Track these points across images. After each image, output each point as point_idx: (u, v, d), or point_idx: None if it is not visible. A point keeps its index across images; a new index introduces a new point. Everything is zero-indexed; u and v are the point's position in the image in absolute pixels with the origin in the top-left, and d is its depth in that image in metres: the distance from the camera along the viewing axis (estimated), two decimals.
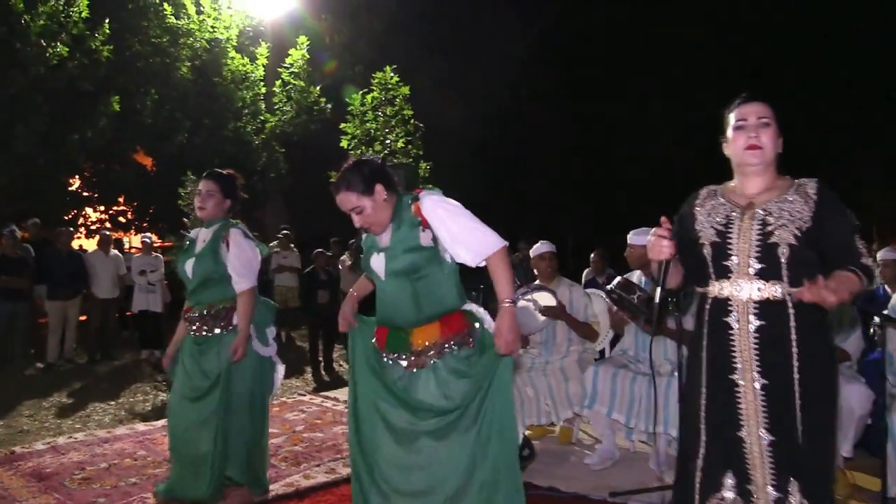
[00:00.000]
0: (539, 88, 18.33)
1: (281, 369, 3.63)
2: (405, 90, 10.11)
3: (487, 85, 16.16)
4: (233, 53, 12.84)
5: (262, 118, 13.44)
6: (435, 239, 2.55)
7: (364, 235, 2.77)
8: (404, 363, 2.60)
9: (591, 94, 20.61)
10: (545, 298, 4.34)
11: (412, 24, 16.77)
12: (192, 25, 12.04)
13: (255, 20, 13.57)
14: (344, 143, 10.16)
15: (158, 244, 10.77)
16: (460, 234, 2.53)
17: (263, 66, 13.17)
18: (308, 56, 13.44)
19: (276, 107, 13.52)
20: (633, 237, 4.29)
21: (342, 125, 10.22)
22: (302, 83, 13.44)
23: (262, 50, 13.08)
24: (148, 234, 9.62)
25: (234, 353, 3.34)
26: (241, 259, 3.42)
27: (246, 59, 13.03)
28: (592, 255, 7.40)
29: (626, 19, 21.51)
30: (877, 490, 3.36)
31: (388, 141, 10.06)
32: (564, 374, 4.36)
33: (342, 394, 6.22)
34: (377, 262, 2.60)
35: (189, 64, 12.13)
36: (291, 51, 13.24)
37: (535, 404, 4.31)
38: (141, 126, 11.41)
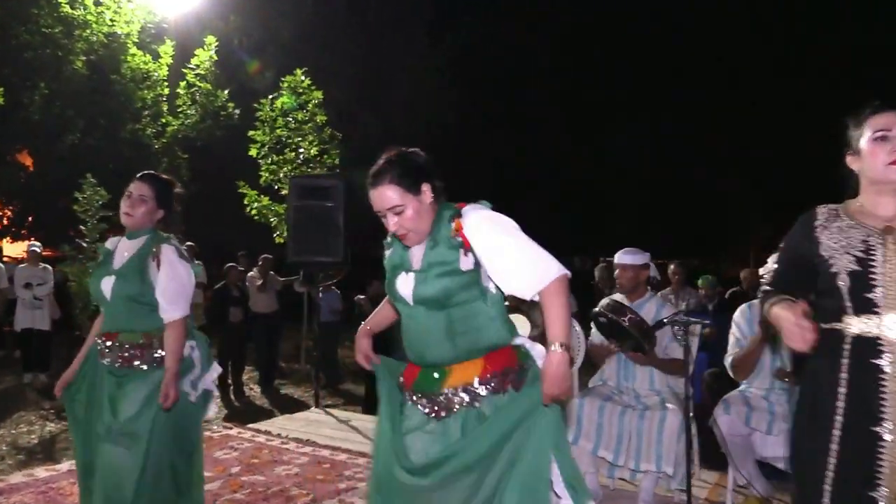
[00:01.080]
0: (456, 101, 18.24)
1: (215, 398, 3.15)
2: (318, 94, 9.63)
3: (405, 96, 15.92)
4: (133, 50, 11.98)
5: (163, 121, 12.62)
6: (477, 263, 2.18)
7: (389, 251, 2.38)
8: (426, 409, 2.22)
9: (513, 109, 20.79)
10: (521, 325, 4.06)
11: (323, 32, 16.31)
12: (88, 17, 11.15)
13: (159, 17, 12.74)
14: (253, 152, 9.58)
15: (47, 253, 9.79)
16: (511, 260, 2.16)
17: (168, 65, 12.35)
18: (216, 58, 12.73)
19: (179, 110, 12.72)
20: (624, 257, 4.07)
21: (251, 132, 9.62)
22: (208, 86, 12.72)
23: (167, 48, 12.29)
24: (36, 243, 8.70)
25: (165, 398, 2.82)
26: (174, 282, 2.90)
27: (148, 57, 12.19)
28: None
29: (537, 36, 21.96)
30: None
31: (300, 149, 9.56)
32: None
33: (271, 426, 5.66)
34: (405, 285, 2.22)
35: (84, 58, 11.21)
36: (198, 51, 12.50)
37: None
38: (28, 123, 10.40)
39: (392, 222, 2.18)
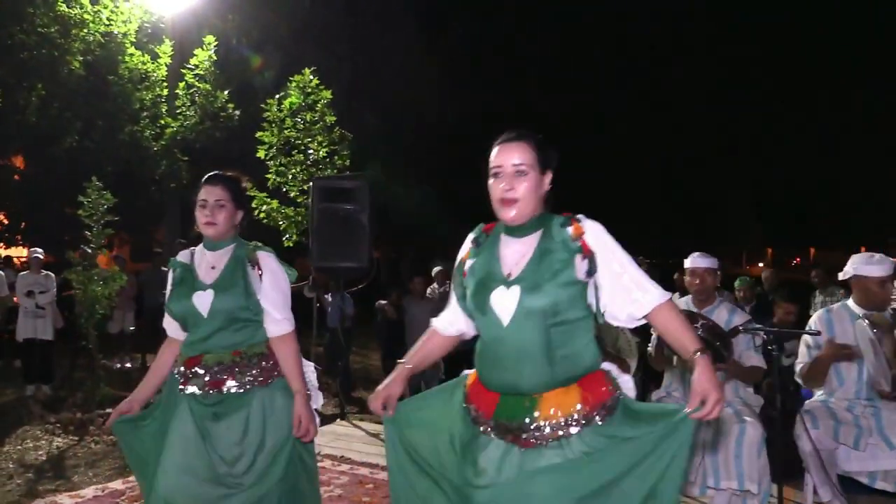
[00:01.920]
0: (456, 100, 18.00)
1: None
2: (327, 94, 9.31)
3: (403, 95, 15.66)
4: (131, 50, 11.63)
5: (162, 122, 12.27)
6: (590, 274, 1.96)
7: (471, 261, 2.11)
8: (509, 439, 1.96)
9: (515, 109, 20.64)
10: None
11: (322, 31, 16.01)
12: (85, 16, 10.79)
13: (155, 16, 12.39)
14: (261, 153, 9.25)
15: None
16: (631, 277, 1.98)
17: (166, 65, 12.01)
18: (215, 58, 12.39)
19: (178, 111, 12.37)
20: (698, 260, 3.85)
21: (258, 133, 9.30)
22: (208, 86, 12.37)
23: (166, 48, 11.94)
24: (38, 249, 8.35)
25: (300, 426, 2.54)
26: (280, 292, 2.64)
27: (146, 57, 11.84)
28: None
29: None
30: None
31: (310, 151, 9.24)
32: None
33: None
34: (502, 299, 1.96)
35: (81, 58, 10.86)
36: (197, 51, 12.16)
37: None
38: (23, 125, 10.04)
39: (505, 184, 1.98)
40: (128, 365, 10.31)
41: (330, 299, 9.46)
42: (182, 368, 2.64)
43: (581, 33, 22.77)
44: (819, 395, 3.76)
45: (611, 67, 24.70)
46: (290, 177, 9.18)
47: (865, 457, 3.41)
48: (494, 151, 2.05)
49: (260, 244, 2.72)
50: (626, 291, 1.98)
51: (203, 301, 2.58)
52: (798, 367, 3.76)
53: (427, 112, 17.48)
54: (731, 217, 32.68)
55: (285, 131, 9.21)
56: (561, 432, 1.92)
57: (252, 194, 9.16)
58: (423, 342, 2.33)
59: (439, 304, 7.39)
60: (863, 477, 3.46)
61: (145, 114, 12.09)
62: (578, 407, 1.93)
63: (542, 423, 1.93)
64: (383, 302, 7.18)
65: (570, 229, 1.99)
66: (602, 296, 1.99)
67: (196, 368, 2.59)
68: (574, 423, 1.92)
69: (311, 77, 9.28)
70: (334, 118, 9.36)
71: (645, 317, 2.00)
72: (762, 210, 33.59)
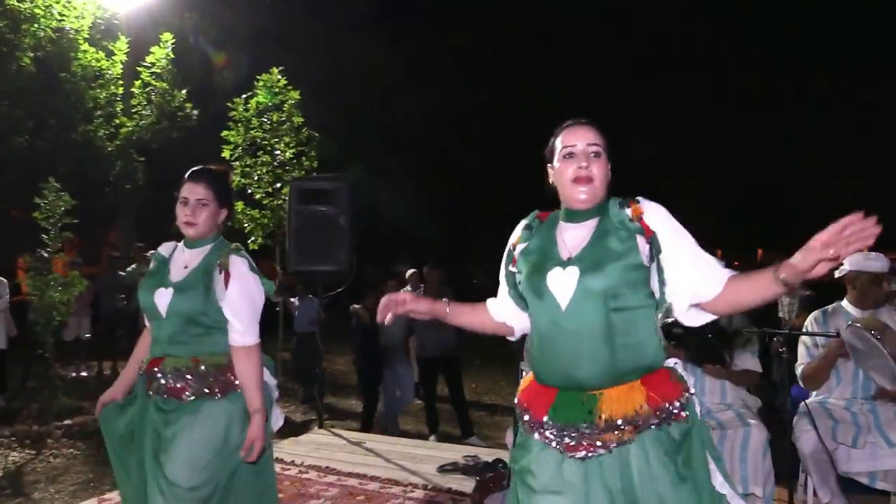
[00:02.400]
0: (419, 99, 17.91)
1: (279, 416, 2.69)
2: (295, 94, 9.15)
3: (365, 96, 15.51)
4: (85, 46, 11.19)
5: (117, 122, 11.84)
6: (652, 257, 1.86)
7: (525, 243, 2.03)
8: (561, 443, 1.83)
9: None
10: None
11: (283, 31, 15.72)
12: (36, 10, 10.32)
13: (109, 12, 11.96)
14: (226, 153, 9.03)
15: None
16: (697, 257, 1.88)
17: (122, 63, 11.60)
18: (172, 56, 12.03)
19: (133, 110, 11.96)
20: None
21: (224, 133, 9.07)
22: (165, 85, 12.00)
23: (121, 45, 11.54)
24: None
25: (252, 449, 2.40)
26: (247, 301, 2.49)
27: (101, 54, 11.41)
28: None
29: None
30: None
31: (276, 151, 9.04)
32: None
33: (280, 451, 5.03)
34: (560, 282, 1.87)
35: (32, 55, 10.39)
36: (154, 48, 11.78)
37: None
38: None
39: (583, 162, 1.91)
40: (84, 374, 9.91)
41: (297, 303, 9.27)
42: (146, 368, 2.53)
43: (546, 30, 22.94)
44: (815, 395, 3.77)
45: (571, 65, 24.98)
46: (255, 178, 8.98)
47: (865, 456, 3.42)
48: (564, 133, 1.98)
49: (240, 246, 2.59)
50: (696, 269, 1.86)
51: (162, 299, 2.48)
52: (799, 370, 3.76)
53: (394, 112, 17.35)
54: (683, 218, 33.28)
55: (252, 131, 9.00)
56: (623, 437, 1.80)
57: None
58: (473, 305, 2.22)
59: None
60: (863, 477, 3.48)
61: (99, 113, 11.65)
62: (645, 408, 1.81)
63: (604, 423, 1.81)
64: (357, 306, 7.02)
65: (629, 210, 1.91)
66: (667, 279, 1.88)
67: (156, 371, 2.48)
68: (639, 427, 1.81)
69: (279, 77, 9.10)
70: (302, 119, 9.19)
71: (715, 296, 1.85)
72: (714, 211, 34.26)
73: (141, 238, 13.21)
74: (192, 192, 2.52)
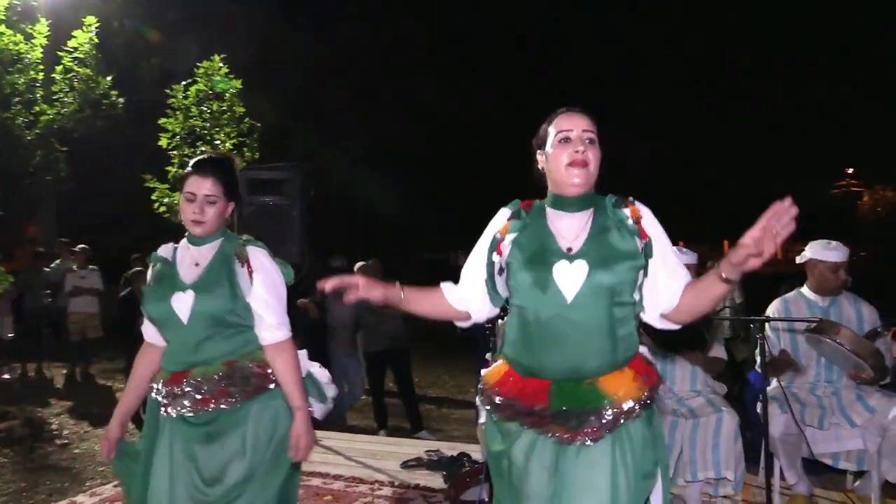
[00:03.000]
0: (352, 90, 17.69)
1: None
2: (237, 83, 8.85)
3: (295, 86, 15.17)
4: (1, 28, 10.49)
5: (36, 109, 11.17)
6: (644, 262, 1.90)
7: (513, 234, 1.99)
8: (565, 432, 1.86)
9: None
10: None
11: (213, 17, 15.21)
12: None
13: None
14: (163, 142, 8.65)
15: None
16: (675, 263, 1.94)
17: (42, 46, 10.94)
18: (97, 40, 11.43)
19: (55, 97, 11.31)
20: (682, 257, 3.84)
21: (161, 121, 8.69)
22: (88, 71, 11.39)
23: (41, 28, 10.87)
24: None
25: (298, 447, 2.28)
26: (274, 292, 2.34)
27: (19, 37, 10.71)
28: None
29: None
30: None
31: (216, 141, 8.72)
32: None
33: None
34: (567, 275, 1.86)
35: None
36: (76, 32, 11.16)
37: None
38: None
39: (579, 147, 1.91)
40: (6, 376, 9.34)
41: None
42: (163, 388, 2.31)
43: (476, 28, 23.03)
44: (775, 382, 3.86)
45: (520, 62, 25.29)
46: None
47: (830, 437, 3.54)
48: (558, 118, 1.97)
49: (251, 238, 2.42)
50: (670, 281, 1.93)
51: (183, 304, 2.27)
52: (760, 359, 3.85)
53: (315, 104, 17.06)
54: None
55: (191, 120, 8.65)
56: (624, 417, 1.86)
57: (151, 185, 8.54)
58: (427, 290, 2.17)
59: (364, 304, 7.16)
60: (827, 458, 3.60)
61: (17, 99, 10.92)
62: (642, 390, 1.89)
63: (612, 406, 1.86)
64: (305, 300, 6.84)
65: (627, 211, 1.94)
66: (647, 284, 1.92)
67: (182, 386, 2.26)
68: (636, 408, 1.87)
69: (221, 65, 8.77)
70: (243, 108, 8.90)
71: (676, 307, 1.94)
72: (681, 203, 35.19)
73: (62, 232, 12.57)
74: (200, 187, 2.33)
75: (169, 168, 8.62)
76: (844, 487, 3.88)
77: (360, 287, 2.03)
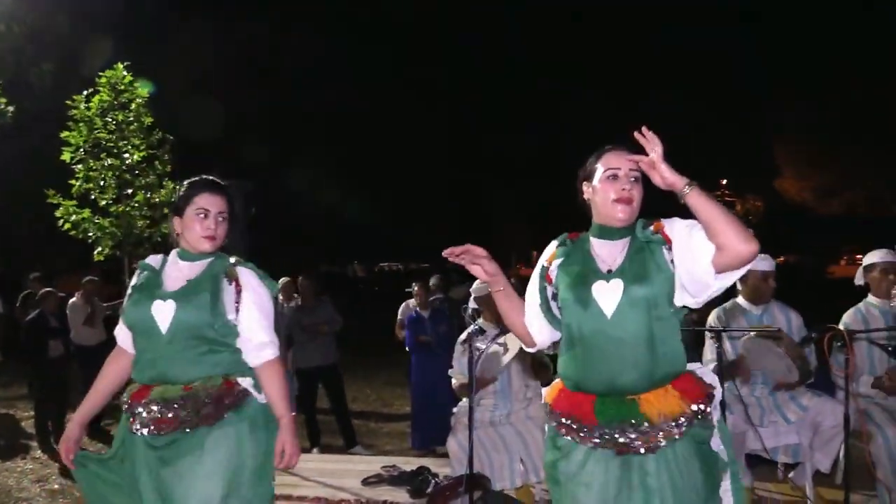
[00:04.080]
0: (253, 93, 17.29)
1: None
2: (143, 92, 8.49)
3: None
4: None
5: None
6: (673, 263, 2.00)
7: (559, 260, 2.13)
8: (612, 445, 1.96)
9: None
10: (514, 342, 3.83)
11: (106, 22, 14.50)
12: None
13: None
14: (66, 156, 8.18)
15: None
16: (687, 228, 2.00)
17: None
18: None
19: None
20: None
21: (64, 133, 8.21)
22: None
23: None
24: None
25: (284, 454, 2.30)
26: (263, 312, 2.33)
27: None
28: (415, 287, 6.95)
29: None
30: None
31: (125, 154, 8.35)
32: (539, 426, 3.89)
33: None
34: (605, 292, 1.99)
35: None
36: None
37: (508, 465, 3.77)
38: None
39: (626, 185, 2.04)
40: None
41: None
42: (128, 400, 2.27)
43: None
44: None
45: (376, 63, 25.59)
46: (101, 183, 8.22)
47: (769, 434, 3.87)
48: (607, 155, 2.10)
49: (240, 259, 2.41)
50: (693, 234, 1.97)
51: (163, 312, 2.22)
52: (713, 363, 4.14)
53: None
54: (498, 219, 34.92)
55: (95, 132, 8.23)
56: (666, 437, 1.94)
57: (54, 202, 8.06)
58: (518, 300, 2.23)
59: (287, 319, 7.03)
60: (766, 453, 3.92)
61: None
62: (689, 407, 1.97)
63: (656, 423, 1.94)
64: None
65: (651, 227, 2.07)
66: (681, 271, 1.99)
67: (144, 403, 2.22)
68: (679, 427, 1.95)
69: (125, 73, 8.39)
70: (151, 119, 8.56)
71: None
72: (528, 212, 36.27)
73: None
74: (213, 203, 2.31)
75: (73, 182, 8.17)
76: (776, 479, 4.24)
77: (482, 257, 2.10)
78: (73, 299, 7.64)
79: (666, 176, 1.89)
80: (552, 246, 2.21)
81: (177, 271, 2.34)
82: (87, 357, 7.53)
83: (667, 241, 2.02)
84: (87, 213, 8.07)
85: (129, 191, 8.29)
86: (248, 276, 2.34)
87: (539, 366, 4.10)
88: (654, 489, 1.93)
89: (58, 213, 8.06)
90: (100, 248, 8.23)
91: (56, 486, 5.65)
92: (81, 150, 8.24)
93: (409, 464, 4.75)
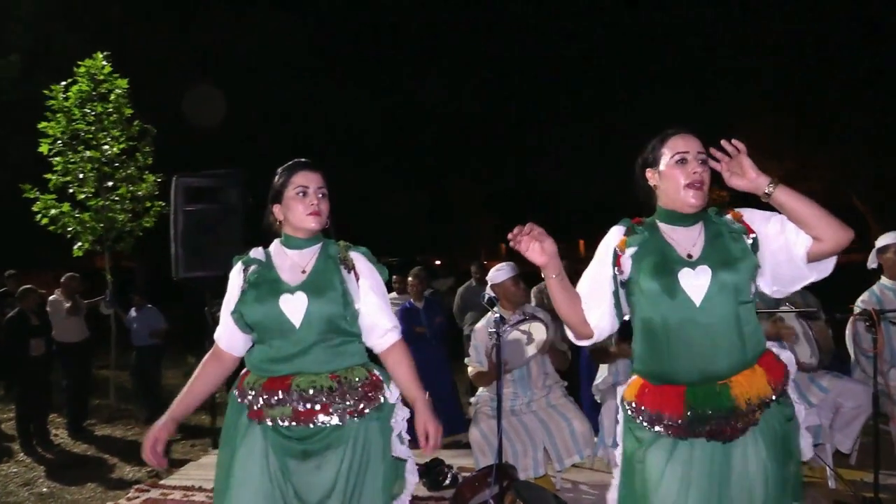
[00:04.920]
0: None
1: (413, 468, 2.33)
2: (122, 83, 8.21)
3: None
4: None
5: None
6: (755, 251, 1.99)
7: (633, 249, 2.05)
8: (706, 432, 1.92)
9: None
10: (539, 331, 3.77)
11: (68, 10, 14.06)
12: None
13: None
14: (44, 148, 7.88)
15: None
16: (778, 223, 1.99)
17: None
18: None
19: None
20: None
21: (41, 125, 7.92)
22: None
23: None
24: None
25: (428, 436, 2.21)
26: (382, 295, 2.29)
27: None
28: (410, 278, 6.86)
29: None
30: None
31: (104, 146, 8.07)
32: (561, 414, 3.84)
33: (186, 478, 4.61)
34: (692, 279, 1.94)
35: None
36: None
37: (532, 454, 3.71)
38: None
39: (697, 168, 2.00)
40: None
41: (134, 314, 8.36)
42: (255, 395, 2.15)
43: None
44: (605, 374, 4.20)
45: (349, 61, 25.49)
46: (80, 176, 7.94)
47: None
48: (672, 139, 2.05)
49: (349, 243, 2.32)
50: (786, 225, 1.97)
51: (295, 306, 2.13)
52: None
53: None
54: (463, 214, 34.89)
55: (74, 123, 7.94)
56: (758, 415, 1.93)
57: (31, 196, 7.77)
58: (573, 289, 2.15)
59: None
60: None
61: None
62: (773, 388, 1.96)
63: (747, 406, 1.92)
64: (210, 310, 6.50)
65: (729, 216, 2.05)
66: (768, 264, 2.00)
67: (280, 394, 2.12)
68: (770, 406, 1.95)
69: (105, 63, 8.10)
70: (131, 110, 8.27)
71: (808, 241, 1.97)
72: (497, 206, 36.32)
73: None
74: (311, 180, 2.22)
75: (50, 176, 7.88)
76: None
77: (545, 235, 2.01)
78: (53, 296, 7.41)
79: (752, 175, 1.89)
80: (618, 232, 2.13)
81: (288, 261, 2.25)
82: (70, 355, 7.35)
83: (748, 231, 2.01)
84: (66, 206, 7.80)
85: (110, 184, 8.01)
86: (362, 262, 2.28)
87: (556, 352, 4.05)
88: (750, 473, 1.91)
89: (35, 208, 7.77)
90: (79, 244, 7.96)
91: (45, 490, 5.48)
92: (59, 141, 7.94)
93: (419, 457, 4.66)
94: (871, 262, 4.14)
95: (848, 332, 4.05)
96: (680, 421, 1.95)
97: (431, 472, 4.22)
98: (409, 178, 30.04)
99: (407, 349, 2.32)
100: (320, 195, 2.23)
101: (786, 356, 2.08)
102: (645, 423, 2.01)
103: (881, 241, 4.05)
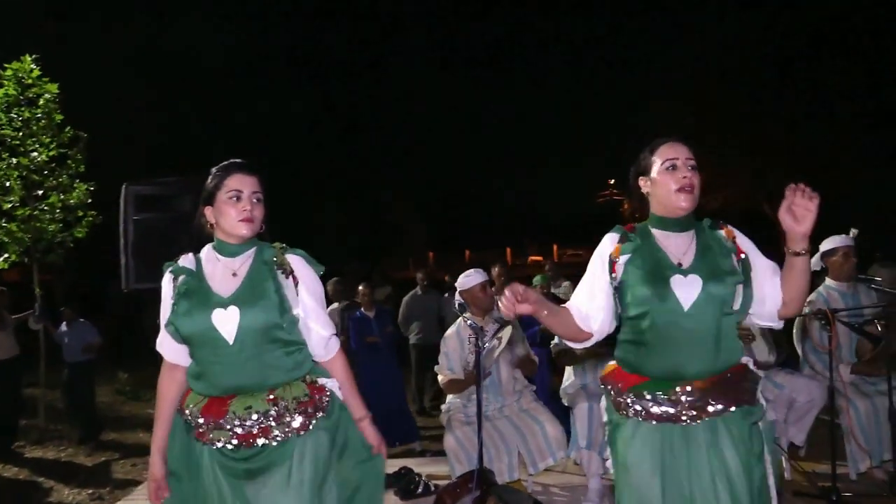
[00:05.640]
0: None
1: None
2: (52, 88, 7.84)
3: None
4: None
5: None
6: (743, 275, 2.13)
7: (627, 255, 2.15)
8: (672, 408, 2.07)
9: None
10: (507, 332, 3.81)
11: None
12: None
13: None
14: None
15: None
16: (771, 274, 2.14)
17: None
18: None
19: None
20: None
21: None
22: None
23: None
24: None
25: (380, 447, 2.26)
26: (320, 301, 2.22)
27: None
28: (360, 287, 6.84)
29: None
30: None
31: (32, 153, 7.69)
32: (534, 417, 3.88)
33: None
34: (683, 286, 2.05)
35: None
36: None
37: (507, 459, 3.74)
38: None
39: (687, 174, 2.11)
40: None
41: (65, 329, 7.98)
42: (200, 416, 2.08)
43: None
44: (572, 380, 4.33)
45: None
46: (5, 184, 7.53)
47: None
48: (662, 147, 2.17)
49: (285, 245, 2.24)
50: (772, 280, 2.14)
51: (227, 320, 2.03)
52: (555, 342, 4.31)
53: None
54: (393, 222, 34.84)
55: (2, 129, 7.52)
56: (711, 407, 2.05)
57: None
58: (560, 308, 2.25)
59: None
60: None
61: None
62: (727, 395, 2.07)
63: (697, 391, 2.06)
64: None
65: (722, 232, 2.18)
66: (756, 294, 2.13)
67: (223, 419, 2.05)
68: (722, 406, 2.06)
69: (33, 67, 7.70)
70: (62, 116, 7.89)
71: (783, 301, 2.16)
72: (425, 215, 36.47)
73: None
74: (245, 184, 2.12)
75: None
76: None
77: (531, 300, 2.05)
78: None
79: (807, 227, 1.99)
80: (612, 239, 2.23)
81: (220, 268, 2.15)
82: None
83: (738, 251, 2.14)
84: None
85: (39, 192, 7.63)
86: (299, 265, 2.20)
87: (524, 361, 4.12)
88: (716, 449, 2.05)
89: None
90: (6, 256, 7.55)
91: None
92: None
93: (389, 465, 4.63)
94: (816, 265, 4.37)
95: (796, 330, 4.26)
96: (631, 398, 2.14)
97: (402, 481, 4.20)
98: (342, 188, 29.92)
99: (344, 361, 2.28)
100: (255, 200, 2.15)
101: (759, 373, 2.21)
102: (612, 393, 2.18)
103: (826, 245, 4.28)
